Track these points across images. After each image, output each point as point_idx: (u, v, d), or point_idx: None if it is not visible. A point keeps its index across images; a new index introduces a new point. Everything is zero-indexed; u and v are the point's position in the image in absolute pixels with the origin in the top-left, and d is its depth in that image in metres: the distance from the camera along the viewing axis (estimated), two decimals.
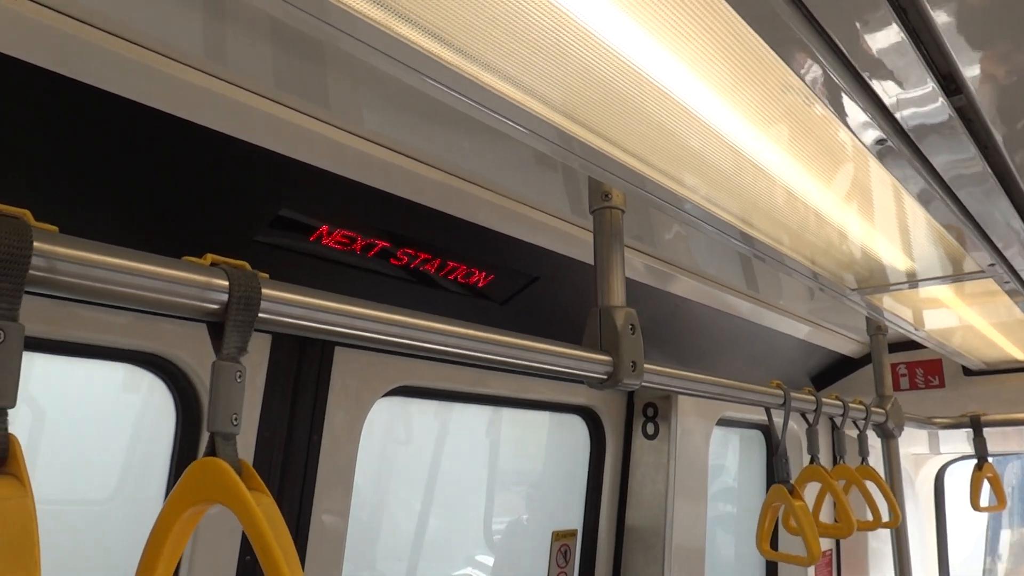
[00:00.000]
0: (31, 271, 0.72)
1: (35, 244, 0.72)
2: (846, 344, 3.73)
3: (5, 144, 1.18)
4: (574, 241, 1.97)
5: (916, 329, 2.78)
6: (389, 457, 2.57)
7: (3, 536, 0.66)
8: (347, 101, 1.36)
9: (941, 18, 0.91)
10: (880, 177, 1.38)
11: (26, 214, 0.73)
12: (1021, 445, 4.02)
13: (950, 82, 1.06)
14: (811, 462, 2.31)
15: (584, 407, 2.93)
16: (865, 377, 3.83)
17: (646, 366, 1.49)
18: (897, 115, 1.10)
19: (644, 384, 1.50)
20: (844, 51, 0.93)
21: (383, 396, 2.14)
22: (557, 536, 2.79)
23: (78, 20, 1.04)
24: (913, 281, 2.15)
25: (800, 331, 3.29)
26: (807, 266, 1.96)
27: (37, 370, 1.65)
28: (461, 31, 0.92)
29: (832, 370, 4.01)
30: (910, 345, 3.71)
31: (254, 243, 1.57)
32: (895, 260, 1.97)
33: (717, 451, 3.75)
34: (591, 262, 1.55)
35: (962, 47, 0.97)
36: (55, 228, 0.77)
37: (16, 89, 1.09)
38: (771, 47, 0.92)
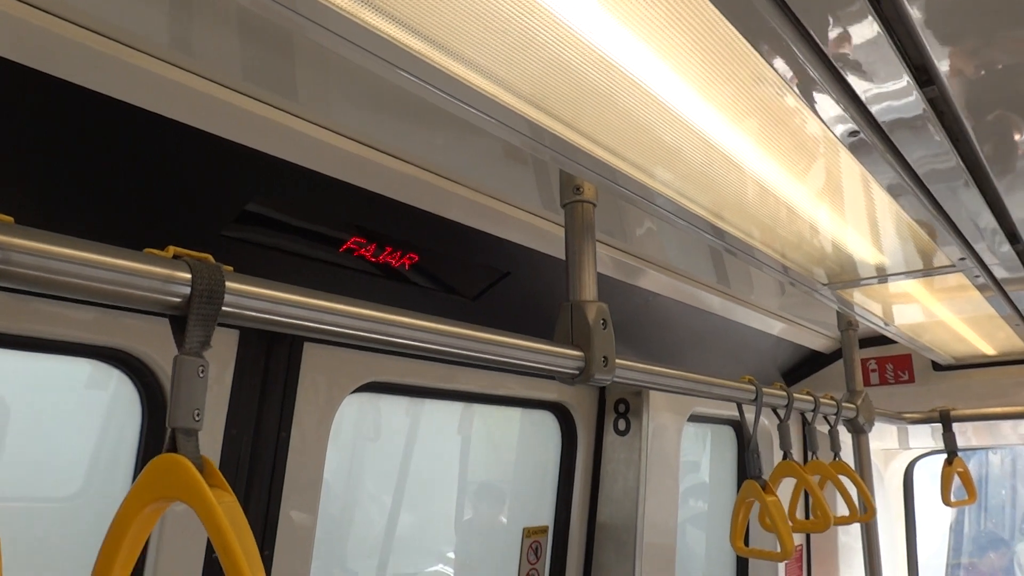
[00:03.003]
0: None
1: None
2: (816, 339, 3.75)
3: None
4: (546, 236, 1.96)
5: (886, 324, 2.79)
6: (359, 454, 2.55)
7: None
8: (316, 93, 1.34)
9: (915, 10, 0.90)
10: (852, 171, 1.38)
11: None
12: (988, 440, 4.06)
13: (923, 73, 1.05)
14: (784, 458, 2.31)
15: (555, 403, 2.92)
16: (835, 372, 3.86)
17: (618, 361, 1.48)
18: (871, 108, 1.09)
19: (616, 379, 1.49)
20: (818, 42, 0.92)
21: (352, 392, 2.11)
22: (528, 532, 2.79)
23: (34, 7, 1.01)
24: (884, 276, 2.16)
25: (771, 327, 3.30)
26: (779, 261, 1.96)
27: None
28: (430, 19, 0.90)
29: (802, 365, 4.03)
30: (880, 340, 3.74)
31: (221, 237, 1.54)
32: (866, 255, 1.97)
33: (688, 447, 3.76)
34: (563, 257, 1.54)
35: (935, 38, 0.97)
36: (11, 219, 0.74)
37: None
38: (745, 38, 0.91)
